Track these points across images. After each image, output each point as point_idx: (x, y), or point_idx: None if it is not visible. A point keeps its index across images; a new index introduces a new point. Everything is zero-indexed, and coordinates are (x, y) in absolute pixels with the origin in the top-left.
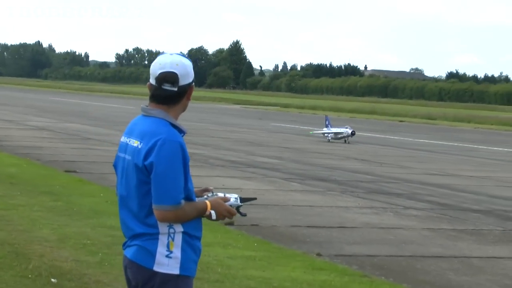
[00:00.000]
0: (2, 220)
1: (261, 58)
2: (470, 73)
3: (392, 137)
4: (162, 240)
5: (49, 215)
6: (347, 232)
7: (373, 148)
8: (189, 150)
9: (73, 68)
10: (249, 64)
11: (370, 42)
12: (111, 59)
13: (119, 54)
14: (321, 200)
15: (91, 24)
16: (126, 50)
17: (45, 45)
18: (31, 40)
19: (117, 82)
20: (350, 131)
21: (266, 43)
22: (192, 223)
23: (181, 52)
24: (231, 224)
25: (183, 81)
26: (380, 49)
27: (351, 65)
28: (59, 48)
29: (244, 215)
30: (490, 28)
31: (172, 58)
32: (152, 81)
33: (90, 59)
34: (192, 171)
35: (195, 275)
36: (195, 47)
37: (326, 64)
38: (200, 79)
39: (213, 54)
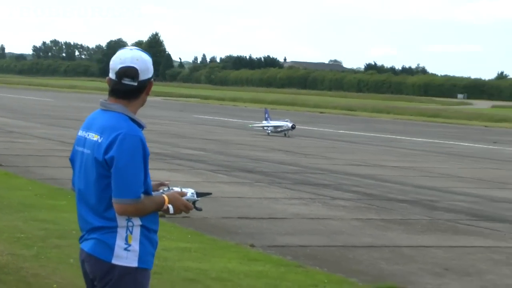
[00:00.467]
0: None
1: (180, 50)
2: (388, 64)
3: (313, 128)
4: (121, 233)
5: None
6: (278, 223)
7: (296, 139)
8: None
9: None
10: (169, 56)
11: (289, 34)
12: (28, 51)
13: (36, 46)
14: (250, 191)
15: (7, 15)
16: (43, 42)
17: None
18: None
19: (34, 74)
20: (290, 125)
21: (185, 35)
22: (149, 217)
23: (141, 48)
24: (162, 216)
25: (143, 76)
26: (299, 41)
27: (271, 57)
28: None
29: (200, 209)
30: (407, 20)
31: (132, 53)
32: (111, 75)
33: (6, 51)
34: None
35: (152, 267)
36: (114, 39)
37: (245, 56)
38: None
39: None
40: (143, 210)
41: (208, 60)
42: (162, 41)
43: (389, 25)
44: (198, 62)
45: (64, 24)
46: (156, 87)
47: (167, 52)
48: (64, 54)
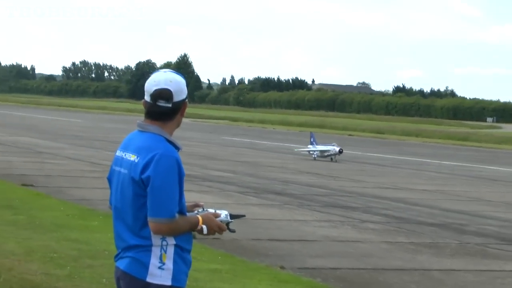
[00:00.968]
0: None
1: (209, 72)
2: (416, 87)
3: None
4: (155, 252)
5: (12, 228)
6: (308, 245)
7: (324, 162)
8: None
9: (19, 81)
10: (197, 77)
11: (318, 56)
12: (58, 72)
13: (65, 67)
14: (279, 213)
15: (37, 36)
16: (73, 63)
17: None
18: None
19: (63, 95)
20: (337, 149)
21: (213, 57)
22: (183, 237)
23: (174, 70)
24: (194, 238)
25: (177, 98)
26: (328, 63)
27: (299, 79)
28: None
29: (233, 231)
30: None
31: (166, 76)
32: (147, 98)
33: (36, 71)
34: None
35: (185, 286)
36: (143, 60)
37: (273, 78)
38: None
39: (161, 67)
40: (177, 229)
41: (236, 81)
42: (191, 63)
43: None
44: (227, 83)
45: (94, 45)
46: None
47: (195, 74)
48: (93, 75)
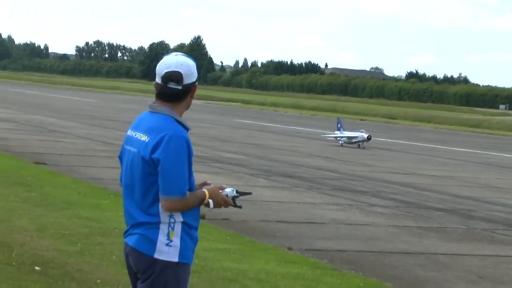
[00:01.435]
0: None
1: (222, 54)
2: (429, 73)
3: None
4: (163, 229)
5: (25, 205)
6: (315, 227)
7: (336, 146)
8: None
9: (33, 60)
10: (210, 59)
11: (331, 41)
12: (71, 51)
13: (79, 47)
14: (289, 196)
15: (51, 16)
16: (87, 43)
17: (4, 35)
18: None
19: (77, 74)
20: (366, 136)
21: (227, 39)
22: (190, 214)
23: (183, 52)
24: (202, 217)
25: (187, 80)
26: (341, 47)
27: (312, 63)
28: (19, 39)
29: (239, 207)
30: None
31: (177, 59)
32: (158, 80)
33: (50, 51)
34: None
35: (192, 262)
36: (156, 41)
37: (286, 62)
38: None
39: (174, 49)
40: (187, 206)
41: (249, 64)
42: (204, 45)
43: (431, 34)
44: (239, 66)
45: (107, 25)
46: (197, 90)
47: (208, 56)
48: (106, 55)
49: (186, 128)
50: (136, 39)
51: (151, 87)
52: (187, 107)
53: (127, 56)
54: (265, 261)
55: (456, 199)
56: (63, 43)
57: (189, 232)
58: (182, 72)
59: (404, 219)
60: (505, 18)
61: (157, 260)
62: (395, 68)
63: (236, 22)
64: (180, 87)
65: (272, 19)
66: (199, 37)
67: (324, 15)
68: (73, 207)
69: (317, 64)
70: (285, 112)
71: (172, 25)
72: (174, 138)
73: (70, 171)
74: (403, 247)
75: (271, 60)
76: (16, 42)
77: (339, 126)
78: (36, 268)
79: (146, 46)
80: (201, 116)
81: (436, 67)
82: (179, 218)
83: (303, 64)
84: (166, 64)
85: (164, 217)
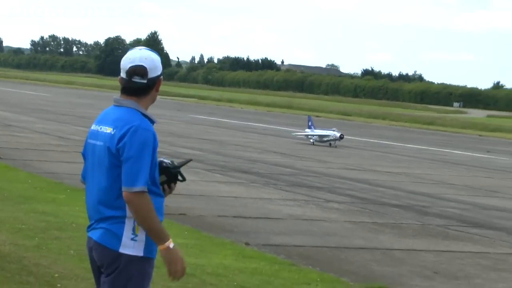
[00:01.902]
0: None
1: (178, 50)
2: (384, 71)
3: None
4: (128, 224)
5: None
6: (272, 223)
7: (290, 141)
8: None
9: None
10: (166, 55)
11: (287, 37)
12: (26, 45)
13: (34, 41)
14: (245, 191)
15: (6, 9)
16: (42, 37)
17: None
18: None
19: (31, 69)
20: (338, 134)
21: (183, 35)
22: (157, 209)
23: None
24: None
25: (151, 74)
26: (297, 44)
27: (268, 59)
28: None
29: (184, 179)
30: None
31: (141, 53)
32: (122, 74)
33: (4, 44)
34: None
35: (156, 257)
36: (112, 36)
37: (243, 58)
38: (117, 68)
39: (130, 44)
40: (146, 206)
41: (205, 60)
42: (161, 40)
43: (387, 32)
44: (196, 62)
45: (63, 19)
46: None
47: (165, 51)
48: (62, 50)
49: (152, 121)
50: (92, 33)
51: (106, 81)
52: (153, 100)
53: (83, 51)
54: (222, 256)
55: (411, 195)
56: (18, 37)
57: None
58: (146, 66)
59: (360, 215)
60: (460, 16)
61: (122, 254)
62: (351, 65)
63: (192, 17)
64: (145, 81)
65: (228, 15)
66: (155, 32)
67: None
68: (29, 202)
69: (273, 61)
70: (241, 108)
71: (128, 20)
72: (140, 130)
73: (26, 165)
74: (359, 243)
75: (227, 56)
76: None
77: (309, 124)
78: None
79: (101, 41)
80: (157, 112)
81: (391, 64)
82: None
83: (260, 61)
84: (130, 58)
85: (130, 211)
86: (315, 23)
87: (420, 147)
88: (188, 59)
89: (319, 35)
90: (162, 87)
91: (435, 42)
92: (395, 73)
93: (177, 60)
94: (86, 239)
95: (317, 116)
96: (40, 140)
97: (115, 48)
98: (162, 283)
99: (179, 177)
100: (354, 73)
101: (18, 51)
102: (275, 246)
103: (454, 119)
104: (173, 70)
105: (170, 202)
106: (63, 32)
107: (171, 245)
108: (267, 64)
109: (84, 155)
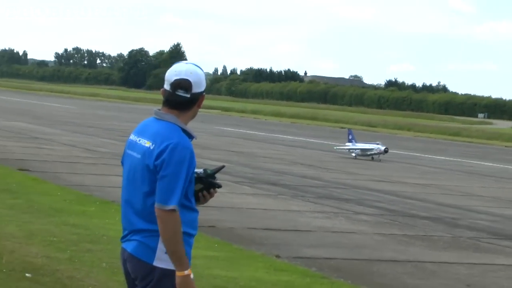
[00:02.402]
0: None
1: (201, 61)
2: (408, 81)
3: (334, 143)
4: None
5: (11, 212)
6: (302, 235)
7: (317, 153)
8: None
9: (11, 66)
10: None
11: (310, 48)
12: (50, 58)
13: (58, 53)
14: (274, 203)
15: (30, 22)
16: (65, 50)
17: None
18: None
19: (55, 81)
20: (383, 148)
21: (206, 47)
22: (190, 223)
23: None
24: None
25: (195, 89)
26: (320, 55)
27: (291, 70)
28: None
29: (220, 186)
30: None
31: (187, 67)
32: (166, 86)
33: (28, 57)
34: None
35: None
36: (135, 48)
37: (266, 69)
38: (140, 80)
39: (153, 56)
40: (174, 227)
41: (228, 71)
42: (184, 52)
43: (410, 42)
44: (219, 73)
45: (87, 31)
46: None
47: None
48: (85, 62)
49: (191, 137)
50: (115, 46)
51: (130, 93)
52: (193, 116)
53: (106, 63)
54: (254, 268)
55: (440, 207)
56: (42, 50)
57: (188, 241)
58: (191, 80)
59: (390, 227)
60: (483, 26)
61: (156, 267)
62: (374, 76)
63: (215, 29)
64: (188, 95)
65: (251, 27)
66: (178, 44)
67: (303, 23)
68: (59, 214)
69: (297, 72)
70: (266, 119)
71: (151, 32)
72: (179, 148)
73: (55, 178)
74: (390, 255)
75: (250, 68)
76: None
77: (350, 137)
78: (27, 275)
79: (125, 53)
80: None
81: (414, 75)
82: None
83: (283, 72)
84: (176, 71)
85: (159, 228)
86: (337, 33)
87: (447, 158)
88: (211, 71)
89: (342, 46)
90: None
91: (458, 52)
92: (418, 83)
93: None
94: (117, 252)
95: (342, 127)
96: (68, 153)
97: (138, 60)
98: None
99: (215, 184)
100: (377, 84)
101: (42, 63)
102: (306, 258)
103: (480, 130)
104: None
105: (199, 214)
106: (87, 44)
107: (192, 276)
108: (290, 76)
109: (122, 163)
